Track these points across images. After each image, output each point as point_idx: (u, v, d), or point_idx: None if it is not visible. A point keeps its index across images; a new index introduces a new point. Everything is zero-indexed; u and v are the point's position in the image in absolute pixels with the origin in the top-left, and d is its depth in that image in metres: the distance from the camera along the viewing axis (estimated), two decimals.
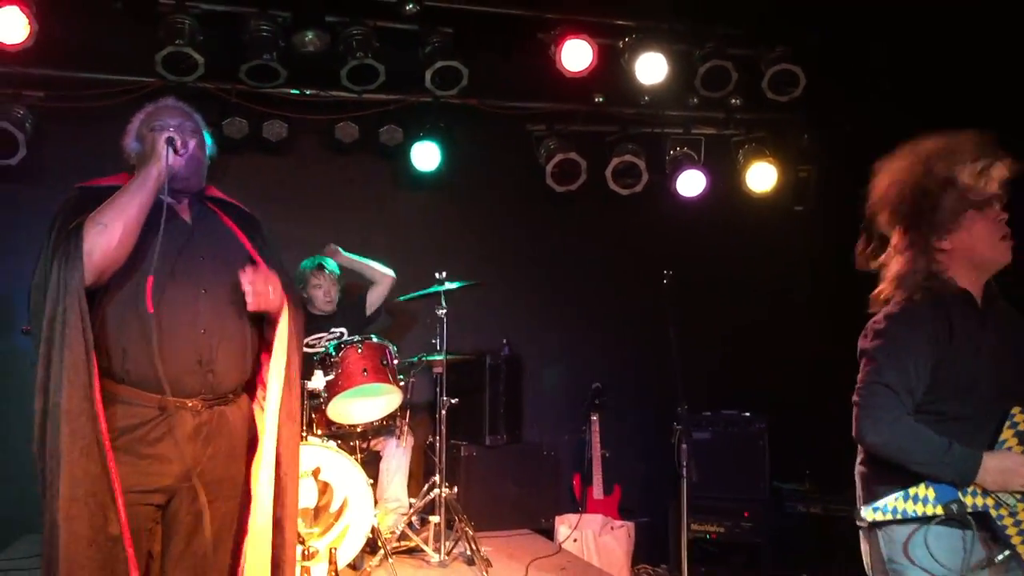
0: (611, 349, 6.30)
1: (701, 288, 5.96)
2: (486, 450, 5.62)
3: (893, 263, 2.73)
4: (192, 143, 2.68)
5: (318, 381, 4.25)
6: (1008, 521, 2.49)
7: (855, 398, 2.59)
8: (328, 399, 4.30)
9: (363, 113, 5.64)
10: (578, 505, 5.81)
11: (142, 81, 5.20)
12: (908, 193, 2.69)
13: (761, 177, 6.04)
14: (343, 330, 5.05)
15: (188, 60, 5.08)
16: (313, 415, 4.38)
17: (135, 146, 2.72)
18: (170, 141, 2.55)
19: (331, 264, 5.12)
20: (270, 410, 2.62)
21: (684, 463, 4.12)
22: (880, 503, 2.54)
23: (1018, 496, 2.50)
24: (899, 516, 2.52)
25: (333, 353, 4.36)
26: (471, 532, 4.51)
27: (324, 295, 5.07)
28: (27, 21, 4.72)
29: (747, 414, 5.91)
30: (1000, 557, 2.49)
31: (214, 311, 2.61)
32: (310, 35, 5.34)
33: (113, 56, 5.27)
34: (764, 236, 6.15)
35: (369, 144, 5.76)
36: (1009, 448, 2.52)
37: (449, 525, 4.72)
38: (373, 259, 5.36)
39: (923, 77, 5.38)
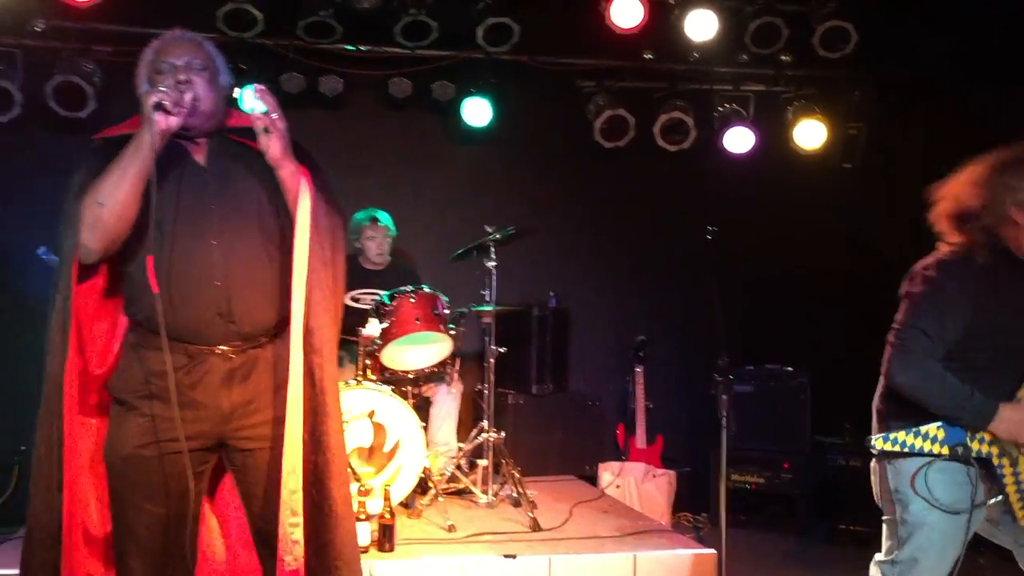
0: (656, 303, 6.41)
1: (747, 244, 6.04)
2: (532, 398, 5.80)
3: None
4: (196, 86, 2.49)
5: (373, 328, 4.44)
6: (1008, 470, 2.69)
7: (890, 338, 2.77)
8: (382, 346, 4.49)
9: (416, 69, 5.76)
10: (621, 454, 5.98)
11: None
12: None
13: (810, 134, 6.06)
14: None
15: (247, 16, 5.24)
16: (368, 360, 4.57)
17: (145, 87, 2.53)
18: (158, 106, 2.36)
19: (385, 218, 5.27)
20: (294, 317, 2.49)
21: (724, 414, 4.24)
22: (892, 435, 2.74)
23: (1022, 448, 2.65)
24: (906, 450, 2.72)
25: (387, 302, 4.53)
26: (518, 475, 4.69)
27: (377, 247, 5.22)
28: None
29: (789, 368, 6.00)
30: (992, 501, 2.72)
31: (228, 260, 2.51)
32: None
33: (176, 12, 5.39)
34: (811, 193, 6.17)
35: (422, 100, 5.88)
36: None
37: (496, 469, 4.91)
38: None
39: (975, 35, 5.36)
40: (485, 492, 4.83)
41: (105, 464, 2.53)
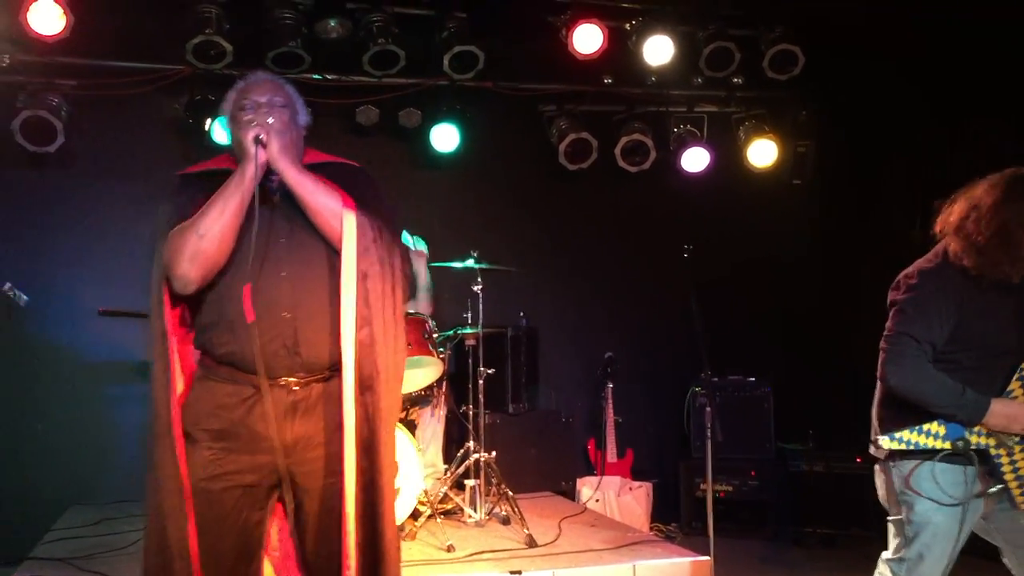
0: (622, 320, 6.59)
1: (707, 260, 6.23)
2: (508, 417, 5.90)
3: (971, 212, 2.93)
4: (279, 123, 2.61)
5: None
6: (1004, 460, 2.90)
7: (883, 344, 2.98)
8: None
9: (383, 97, 5.84)
10: (593, 468, 6.12)
11: (173, 68, 5.38)
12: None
13: (762, 153, 6.31)
14: None
15: (217, 48, 5.25)
16: None
17: (230, 128, 2.71)
18: (257, 140, 2.52)
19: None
20: (345, 352, 2.50)
21: (709, 424, 4.41)
22: (897, 434, 2.92)
23: (1016, 439, 2.86)
24: (911, 447, 2.91)
25: None
26: (511, 493, 4.78)
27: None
28: (62, 12, 4.87)
29: (752, 378, 6.24)
30: (992, 489, 2.92)
31: (295, 292, 2.55)
32: (333, 22, 5.53)
33: (143, 45, 5.43)
34: (766, 209, 6.43)
35: (389, 127, 5.97)
36: (1015, 397, 2.91)
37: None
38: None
39: (913, 56, 5.68)
40: (475, 511, 4.91)
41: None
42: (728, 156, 6.39)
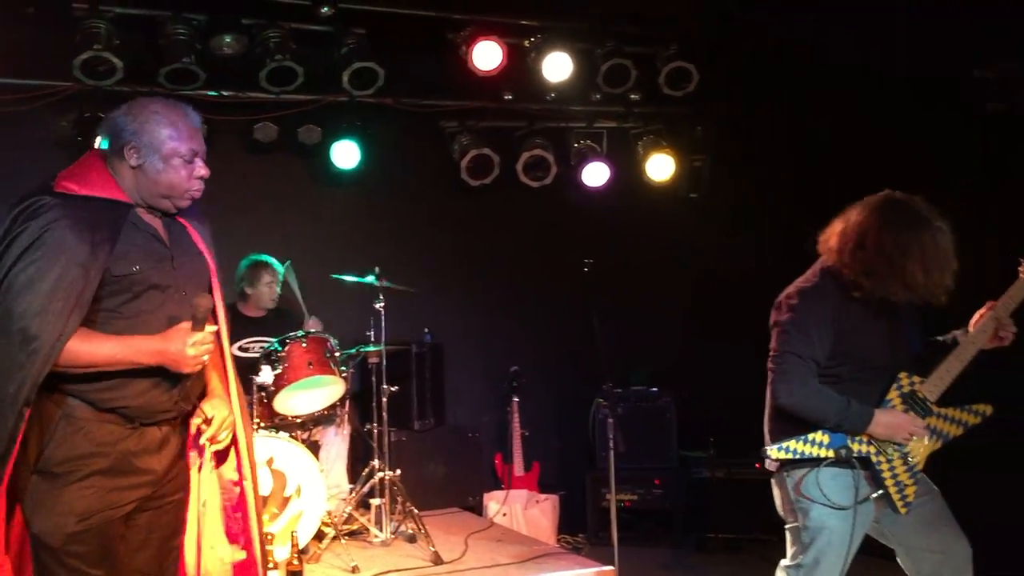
0: (528, 334, 6.62)
1: (608, 273, 6.33)
2: (414, 434, 5.87)
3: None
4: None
5: (266, 375, 4.43)
6: (885, 466, 3.04)
7: (770, 365, 3.09)
8: (275, 392, 4.48)
9: (282, 113, 5.76)
10: (500, 482, 6.14)
11: (60, 85, 5.21)
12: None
13: (659, 167, 6.45)
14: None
15: (106, 64, 5.11)
16: (258, 408, 4.54)
17: (150, 158, 2.51)
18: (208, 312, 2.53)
19: (279, 265, 5.25)
20: (234, 403, 2.73)
21: (611, 435, 4.47)
22: (784, 444, 3.05)
23: (896, 446, 2.99)
24: (798, 456, 3.04)
25: (279, 348, 4.53)
26: (416, 511, 4.76)
27: (272, 293, 5.19)
28: None
29: (654, 389, 6.34)
30: (875, 495, 3.05)
31: None
32: (228, 38, 5.44)
33: (31, 61, 5.25)
34: (664, 222, 6.57)
35: (288, 144, 5.90)
36: (894, 406, 3.07)
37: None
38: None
39: (803, 73, 5.89)
40: (381, 531, 4.87)
41: (34, 544, 2.44)
42: (627, 171, 6.51)
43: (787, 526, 3.18)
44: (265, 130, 5.77)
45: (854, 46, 5.62)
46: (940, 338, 3.21)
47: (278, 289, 5.25)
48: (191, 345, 2.43)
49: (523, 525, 5.71)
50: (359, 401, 5.53)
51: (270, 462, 4.24)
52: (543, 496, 5.96)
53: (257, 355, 4.66)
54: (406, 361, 5.85)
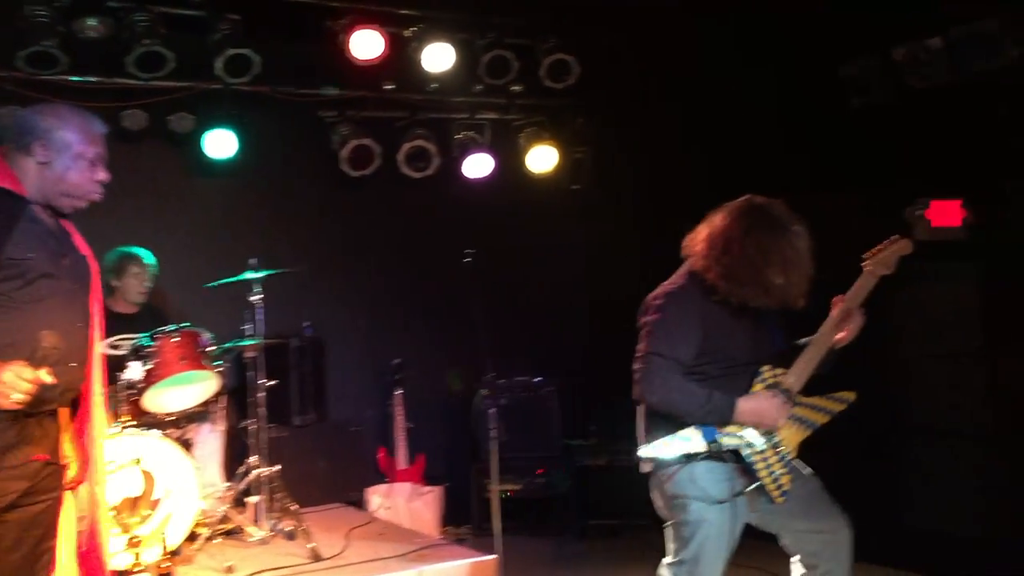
0: (410, 326, 6.58)
1: (492, 265, 6.33)
2: (295, 430, 5.77)
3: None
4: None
5: (134, 371, 4.26)
6: (757, 458, 3.11)
7: (635, 365, 3.14)
8: (144, 389, 4.32)
9: (152, 100, 5.55)
10: (384, 476, 6.08)
11: None
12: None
13: (542, 159, 6.50)
14: None
15: None
16: (126, 406, 4.37)
17: (61, 155, 2.64)
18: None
19: (149, 256, 5.06)
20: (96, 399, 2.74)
21: (493, 426, 4.48)
22: (655, 443, 3.09)
23: (767, 438, 3.08)
24: (671, 454, 3.07)
25: (148, 343, 4.37)
26: (295, 507, 4.67)
27: (140, 286, 5.00)
28: None
29: (538, 379, 6.38)
30: (750, 488, 3.10)
31: (83, 345, 2.66)
32: (93, 21, 5.22)
33: None
34: (547, 214, 6.61)
35: (159, 132, 5.69)
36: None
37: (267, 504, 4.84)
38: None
39: (679, 70, 6.02)
40: (259, 529, 4.76)
41: None
42: (510, 162, 6.53)
43: (666, 525, 3.21)
44: (134, 117, 5.56)
45: (732, 44, 5.78)
46: (803, 340, 3.29)
47: (148, 283, 5.05)
48: (15, 376, 2.34)
49: (406, 518, 5.68)
50: (237, 397, 5.39)
51: (139, 462, 4.09)
52: (426, 488, 5.93)
53: (125, 351, 4.47)
54: (285, 355, 5.74)
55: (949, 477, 5.22)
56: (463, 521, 6.24)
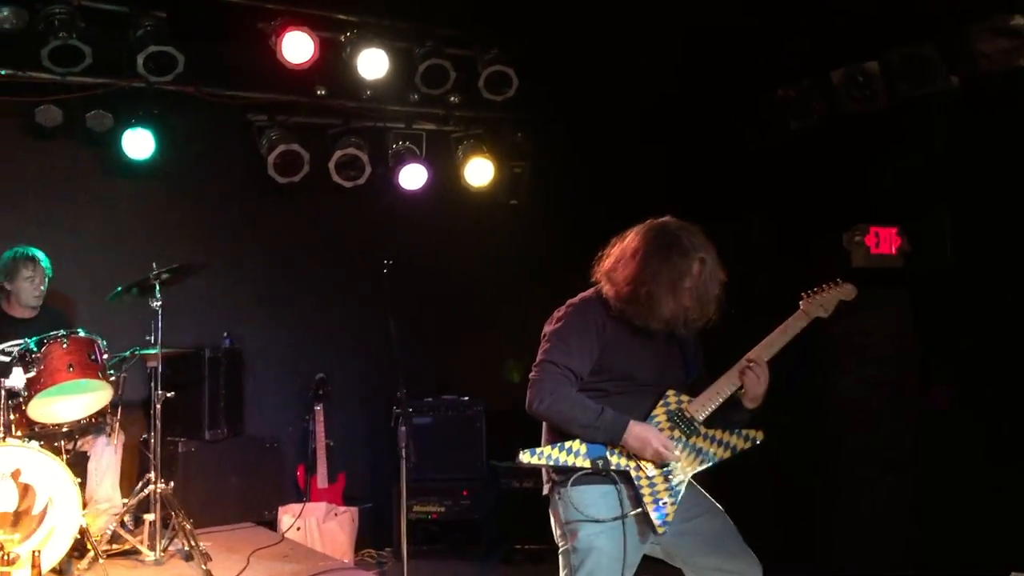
0: (335, 340, 6.38)
1: (424, 279, 6.18)
2: (206, 444, 5.53)
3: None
4: None
5: (17, 379, 4.02)
6: (644, 482, 2.96)
7: (531, 374, 2.96)
8: (29, 397, 4.08)
9: (68, 96, 5.32)
10: (302, 495, 5.86)
11: None
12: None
13: (479, 172, 6.33)
14: None
15: None
16: (12, 415, 4.13)
17: None
18: None
19: (44, 258, 4.82)
20: None
21: (403, 446, 4.30)
22: (539, 449, 2.98)
23: (652, 467, 2.95)
24: (551, 463, 2.96)
25: (35, 349, 4.13)
26: (189, 527, 4.43)
27: (34, 289, 4.74)
28: None
29: (465, 398, 6.20)
30: (632, 513, 2.95)
31: None
32: (5, 11, 5.00)
33: None
34: (482, 228, 6.45)
35: (75, 130, 5.46)
36: (658, 422, 3.02)
37: (165, 523, 4.61)
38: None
39: (620, 87, 5.90)
40: (152, 549, 4.51)
41: None
42: (446, 175, 6.36)
43: (559, 550, 3.07)
44: (47, 113, 5.32)
45: (672, 63, 5.67)
46: None
47: (43, 286, 4.81)
48: None
49: (317, 540, 5.45)
50: (142, 409, 5.16)
51: (16, 474, 3.84)
52: (342, 508, 5.71)
53: (11, 357, 4.22)
54: (198, 366, 5.51)
55: (879, 511, 5.12)
56: (385, 543, 6.03)
